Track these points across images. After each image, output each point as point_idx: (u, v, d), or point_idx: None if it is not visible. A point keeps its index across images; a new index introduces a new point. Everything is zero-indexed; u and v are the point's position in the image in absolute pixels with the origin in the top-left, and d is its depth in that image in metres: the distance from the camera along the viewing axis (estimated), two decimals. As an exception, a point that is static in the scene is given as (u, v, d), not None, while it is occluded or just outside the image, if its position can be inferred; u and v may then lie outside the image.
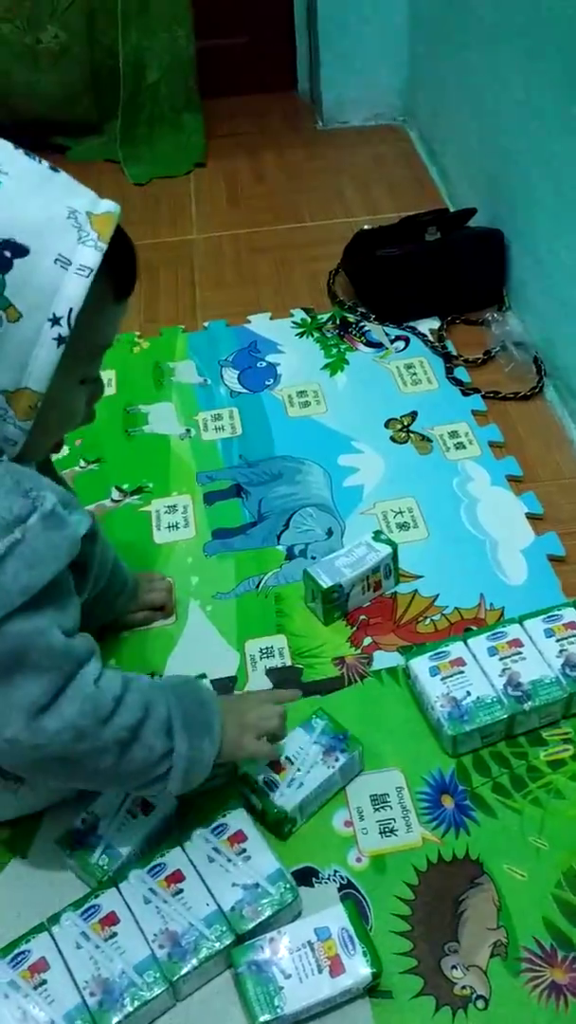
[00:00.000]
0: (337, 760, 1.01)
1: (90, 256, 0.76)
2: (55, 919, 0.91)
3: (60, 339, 0.76)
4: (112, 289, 0.82)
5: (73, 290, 0.76)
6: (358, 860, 0.98)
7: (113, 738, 0.83)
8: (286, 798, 0.99)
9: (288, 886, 0.92)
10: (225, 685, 1.14)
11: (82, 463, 1.46)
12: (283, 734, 1.00)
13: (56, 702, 0.80)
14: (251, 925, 0.90)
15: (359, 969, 0.86)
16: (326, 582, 1.16)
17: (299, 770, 1.01)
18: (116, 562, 1.14)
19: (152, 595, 1.22)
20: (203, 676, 1.12)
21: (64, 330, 0.76)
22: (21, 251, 0.74)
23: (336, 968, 0.86)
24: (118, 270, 0.81)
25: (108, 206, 0.80)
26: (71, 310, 0.76)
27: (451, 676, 1.07)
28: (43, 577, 0.77)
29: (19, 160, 0.77)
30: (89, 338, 0.81)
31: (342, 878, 0.97)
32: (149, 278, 1.87)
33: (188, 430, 1.51)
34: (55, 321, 0.76)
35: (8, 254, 0.74)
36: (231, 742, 0.93)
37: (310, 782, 1.00)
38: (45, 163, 0.79)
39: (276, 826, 0.98)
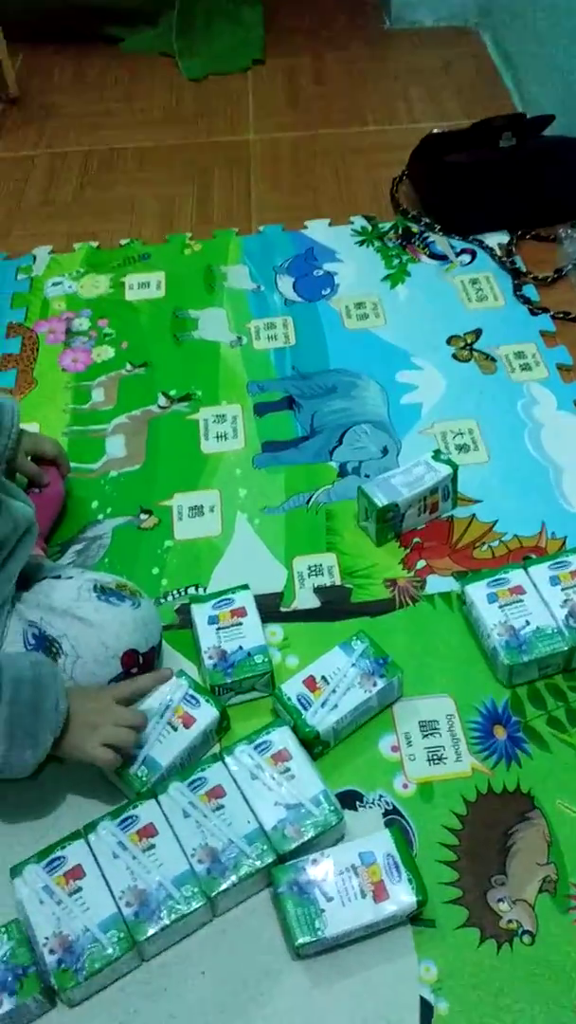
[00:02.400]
0: (375, 685, 0.97)
1: None
2: (92, 827, 0.89)
3: None
4: None
5: None
6: (404, 786, 0.95)
7: None
8: (319, 718, 0.95)
9: (332, 808, 0.89)
10: (271, 599, 1.10)
11: (128, 366, 1.41)
12: (131, 751, 0.92)
13: None
14: (293, 845, 0.87)
15: (403, 896, 0.83)
16: (381, 500, 1.10)
17: (334, 691, 0.97)
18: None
19: (43, 445, 1.15)
20: (245, 587, 1.07)
21: None
22: None
23: (380, 894, 0.83)
24: None
25: None
26: None
27: (510, 604, 1.02)
28: None
29: None
30: None
31: (387, 803, 0.93)
32: (203, 178, 1.79)
33: (239, 338, 1.45)
34: None
35: None
36: (71, 745, 0.88)
37: (345, 705, 0.96)
38: None
39: (306, 747, 0.95)
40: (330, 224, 1.65)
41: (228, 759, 0.93)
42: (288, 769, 0.92)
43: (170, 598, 1.12)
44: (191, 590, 1.12)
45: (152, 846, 0.87)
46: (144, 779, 0.92)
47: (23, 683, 0.86)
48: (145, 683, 0.95)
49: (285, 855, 0.86)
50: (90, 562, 1.16)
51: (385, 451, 1.26)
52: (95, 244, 1.64)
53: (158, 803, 0.90)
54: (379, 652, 1.00)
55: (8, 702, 0.84)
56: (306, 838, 0.87)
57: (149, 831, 0.88)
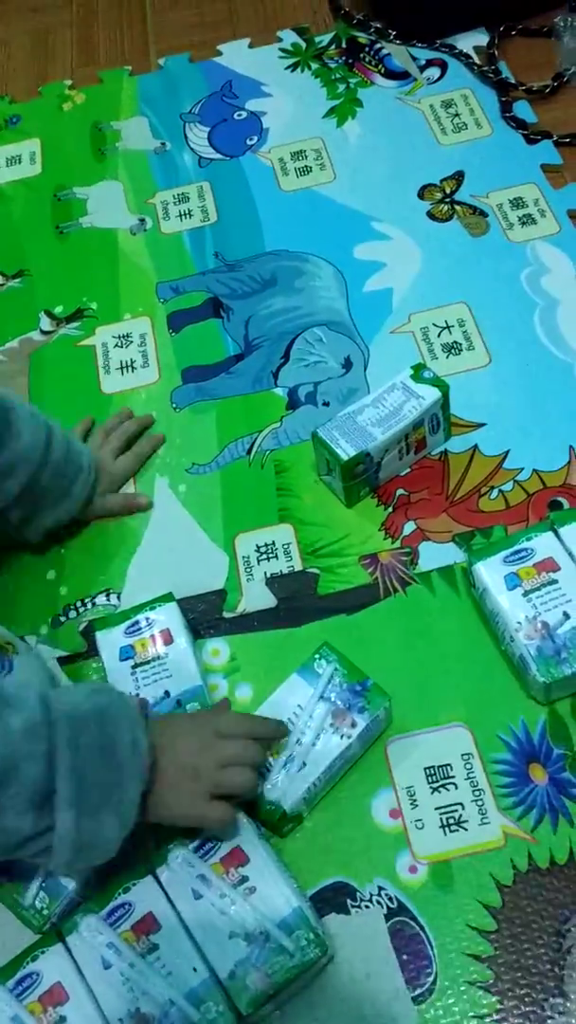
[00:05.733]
0: (354, 724, 0.69)
1: None
2: (-24, 994, 0.63)
3: None
4: None
5: None
6: (412, 870, 0.67)
7: None
8: (282, 788, 0.67)
9: (312, 936, 0.62)
10: (210, 603, 0.80)
11: (-1, 279, 1.06)
12: (252, 794, 0.67)
13: None
14: (260, 1000, 0.60)
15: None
16: (347, 452, 0.78)
17: (300, 742, 0.69)
18: (52, 439, 0.78)
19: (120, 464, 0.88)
20: (168, 597, 0.77)
21: None
22: None
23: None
24: None
25: None
26: None
27: (539, 589, 0.72)
28: None
29: None
30: None
31: (390, 899, 0.67)
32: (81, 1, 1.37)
33: (142, 220, 1.08)
34: None
35: None
36: (165, 803, 0.62)
37: (317, 761, 0.68)
38: None
39: (271, 827, 0.68)
40: (251, 45, 1.25)
41: (160, 870, 0.65)
42: (245, 879, 0.64)
43: (72, 614, 0.82)
44: (100, 599, 0.82)
45: (62, 1019, 0.61)
46: (44, 912, 0.65)
47: (83, 721, 0.59)
48: (261, 728, 0.68)
49: (248, 1015, 0.60)
50: (-37, 572, 0.85)
51: (348, 364, 0.93)
52: (-54, 109, 1.25)
53: (67, 949, 0.63)
54: (354, 673, 0.71)
55: (67, 746, 0.57)
56: (276, 986, 0.61)
57: (56, 996, 0.62)
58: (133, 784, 0.60)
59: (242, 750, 0.65)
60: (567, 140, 1.07)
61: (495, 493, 0.83)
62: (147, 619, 0.76)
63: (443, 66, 1.17)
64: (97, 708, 0.61)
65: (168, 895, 0.64)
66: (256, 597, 0.81)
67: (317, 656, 0.72)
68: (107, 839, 0.59)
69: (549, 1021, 0.62)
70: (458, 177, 1.06)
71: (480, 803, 0.69)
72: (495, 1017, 0.62)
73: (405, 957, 0.64)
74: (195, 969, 0.62)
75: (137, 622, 0.76)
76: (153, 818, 0.62)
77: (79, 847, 0.58)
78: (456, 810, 0.69)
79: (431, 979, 0.63)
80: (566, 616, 0.71)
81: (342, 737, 0.69)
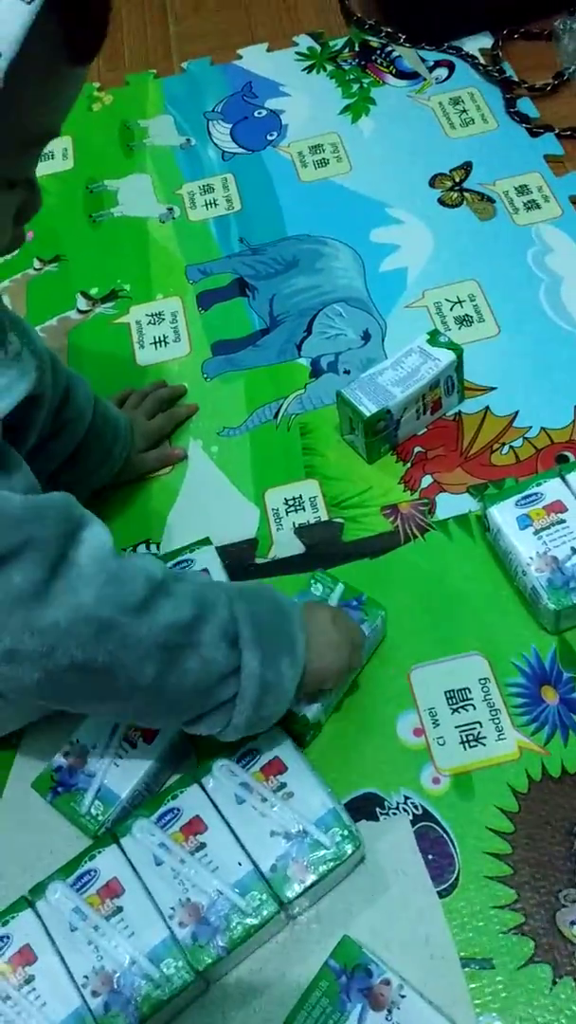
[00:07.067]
0: None
1: None
2: (39, 890, 0.69)
3: None
4: (66, 39, 0.51)
5: (8, 26, 0.46)
6: (435, 781, 0.74)
7: (153, 638, 0.60)
8: (304, 700, 0.73)
9: (346, 832, 0.68)
10: (243, 550, 0.87)
11: (37, 264, 1.13)
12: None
13: (53, 583, 0.57)
14: (299, 888, 0.66)
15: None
16: (369, 409, 0.85)
17: None
18: (94, 405, 0.85)
19: (155, 423, 0.95)
20: (206, 542, 0.84)
21: None
22: None
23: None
24: (79, 7, 0.51)
25: None
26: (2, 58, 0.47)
27: (548, 528, 0.79)
28: None
29: None
30: (25, 114, 0.53)
31: (416, 806, 0.73)
32: (107, 10, 1.45)
33: (170, 209, 1.16)
34: None
35: None
36: (320, 664, 0.69)
37: None
38: None
39: (296, 735, 0.74)
40: (268, 49, 1.33)
41: (206, 780, 0.72)
42: (283, 785, 0.71)
43: (116, 561, 0.88)
44: (141, 548, 0.89)
45: (119, 909, 0.67)
46: (99, 818, 0.71)
47: (244, 588, 0.69)
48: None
49: (290, 902, 0.66)
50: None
51: (367, 336, 1.00)
52: (-18, 110, 1.32)
53: (121, 849, 0.69)
54: (349, 591, 0.79)
55: (239, 598, 0.66)
56: (314, 877, 0.67)
57: (113, 889, 0.68)
58: (301, 631, 0.67)
59: (359, 634, 0.74)
60: (568, 133, 1.15)
61: (506, 449, 0.90)
62: (187, 559, 0.82)
63: (451, 67, 1.25)
64: (253, 584, 0.73)
65: (213, 801, 0.70)
66: (285, 545, 0.87)
67: (312, 580, 0.79)
68: (287, 678, 0.65)
69: (563, 908, 0.68)
70: (466, 167, 1.13)
71: (497, 721, 0.76)
72: (514, 907, 0.68)
73: (430, 857, 0.70)
74: (240, 864, 0.68)
75: (180, 562, 0.82)
76: (312, 685, 0.69)
77: (265, 687, 0.64)
78: (475, 728, 0.75)
79: (454, 875, 0.69)
80: (574, 551, 0.77)
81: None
